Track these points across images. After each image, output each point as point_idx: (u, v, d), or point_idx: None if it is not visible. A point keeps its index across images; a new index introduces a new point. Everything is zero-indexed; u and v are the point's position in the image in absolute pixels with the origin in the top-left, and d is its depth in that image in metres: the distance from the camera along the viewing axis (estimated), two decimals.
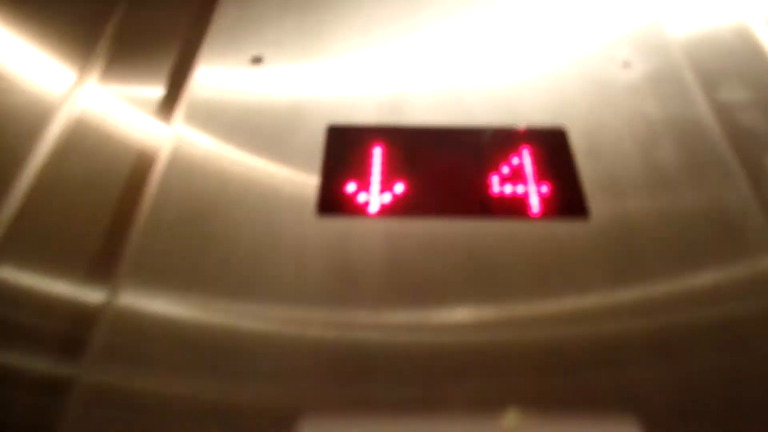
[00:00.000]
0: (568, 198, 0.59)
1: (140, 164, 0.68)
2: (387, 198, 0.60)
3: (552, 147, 0.63)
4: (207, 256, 0.56)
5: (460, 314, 0.52)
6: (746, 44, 0.82)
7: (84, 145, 0.70)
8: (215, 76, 0.72)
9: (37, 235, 0.60)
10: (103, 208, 0.62)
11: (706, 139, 0.63)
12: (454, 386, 0.47)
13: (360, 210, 0.60)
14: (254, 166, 0.64)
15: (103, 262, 0.57)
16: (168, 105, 0.76)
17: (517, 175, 0.62)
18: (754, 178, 0.62)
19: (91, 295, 0.55)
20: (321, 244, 0.57)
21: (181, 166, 0.63)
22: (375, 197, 0.60)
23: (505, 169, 0.62)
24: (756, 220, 0.57)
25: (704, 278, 0.53)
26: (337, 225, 0.58)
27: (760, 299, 0.51)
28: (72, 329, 0.53)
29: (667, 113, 0.65)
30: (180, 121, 0.68)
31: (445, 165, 0.63)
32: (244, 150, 0.65)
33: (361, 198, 0.61)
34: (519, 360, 0.48)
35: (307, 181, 0.62)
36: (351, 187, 0.61)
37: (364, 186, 0.61)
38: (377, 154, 0.64)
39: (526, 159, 0.63)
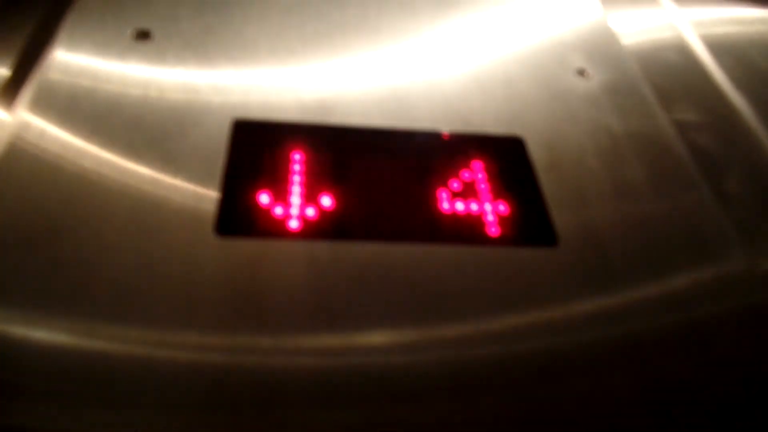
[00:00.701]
0: (532, 220, 0.49)
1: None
2: (311, 213, 0.47)
3: (509, 158, 0.53)
4: (54, 278, 0.40)
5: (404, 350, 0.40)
6: (689, 64, 0.79)
7: None
8: (84, 51, 0.55)
9: None
10: None
11: (670, 154, 0.57)
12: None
13: (276, 228, 0.45)
14: (131, 168, 0.47)
15: None
16: (13, 87, 0.57)
17: (470, 191, 0.51)
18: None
19: None
20: (221, 274, 0.42)
21: (24, 163, 0.46)
22: (296, 212, 0.47)
23: (455, 184, 0.51)
24: (721, 233, 0.52)
25: (674, 288, 0.48)
26: (245, 248, 0.44)
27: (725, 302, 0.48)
28: None
29: (629, 126, 0.58)
30: (26, 106, 0.50)
31: (383, 175, 0.51)
32: (118, 147, 0.48)
33: (278, 212, 0.46)
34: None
35: (204, 191, 0.47)
36: (264, 198, 0.47)
37: (281, 198, 0.47)
38: (298, 157, 0.50)
39: (480, 172, 0.52)
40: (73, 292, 0.40)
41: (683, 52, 0.79)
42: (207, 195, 0.46)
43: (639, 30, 0.82)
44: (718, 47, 0.80)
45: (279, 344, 0.40)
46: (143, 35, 0.57)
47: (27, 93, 0.52)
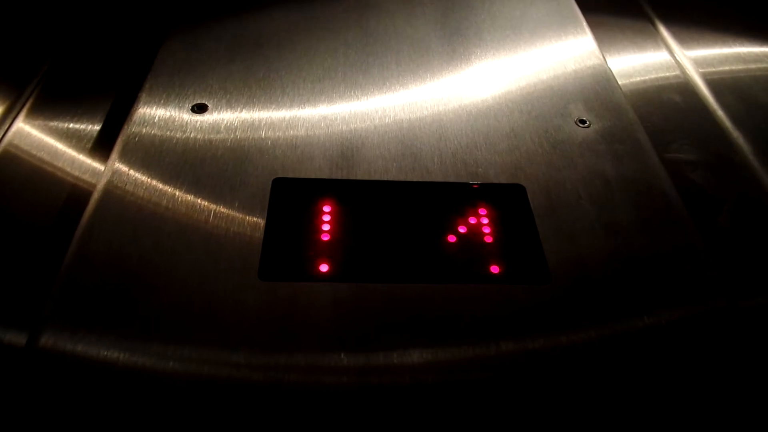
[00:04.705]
0: (529, 261, 0.56)
1: (71, 201, 0.67)
2: (338, 259, 0.56)
3: (511, 205, 0.61)
4: (137, 307, 0.51)
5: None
6: (690, 103, 0.84)
7: (12, 179, 0.69)
8: (154, 121, 0.67)
9: None
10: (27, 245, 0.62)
11: (660, 196, 0.63)
12: None
13: (308, 273, 0.54)
14: (193, 218, 0.58)
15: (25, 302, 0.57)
16: (102, 145, 0.73)
17: (475, 235, 0.59)
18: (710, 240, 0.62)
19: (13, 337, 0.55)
20: (264, 312, 0.51)
21: (112, 213, 0.57)
22: (324, 258, 0.56)
23: (462, 229, 0.59)
24: (705, 270, 0.56)
25: (657, 324, 0.53)
26: (282, 290, 0.53)
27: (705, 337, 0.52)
28: None
29: (622, 171, 0.65)
30: (114, 162, 0.62)
31: (399, 223, 0.59)
32: (182, 201, 0.59)
33: (310, 258, 0.56)
34: None
35: (250, 241, 0.56)
36: (298, 246, 0.57)
37: (313, 246, 0.57)
38: (327, 209, 0.60)
39: (484, 218, 0.60)
40: (150, 319, 0.50)
41: (685, 91, 0.84)
42: (253, 244, 0.56)
43: (642, 71, 0.88)
44: (721, 86, 0.85)
45: (310, 364, 0.49)
46: (201, 107, 0.69)
47: (114, 151, 0.63)
